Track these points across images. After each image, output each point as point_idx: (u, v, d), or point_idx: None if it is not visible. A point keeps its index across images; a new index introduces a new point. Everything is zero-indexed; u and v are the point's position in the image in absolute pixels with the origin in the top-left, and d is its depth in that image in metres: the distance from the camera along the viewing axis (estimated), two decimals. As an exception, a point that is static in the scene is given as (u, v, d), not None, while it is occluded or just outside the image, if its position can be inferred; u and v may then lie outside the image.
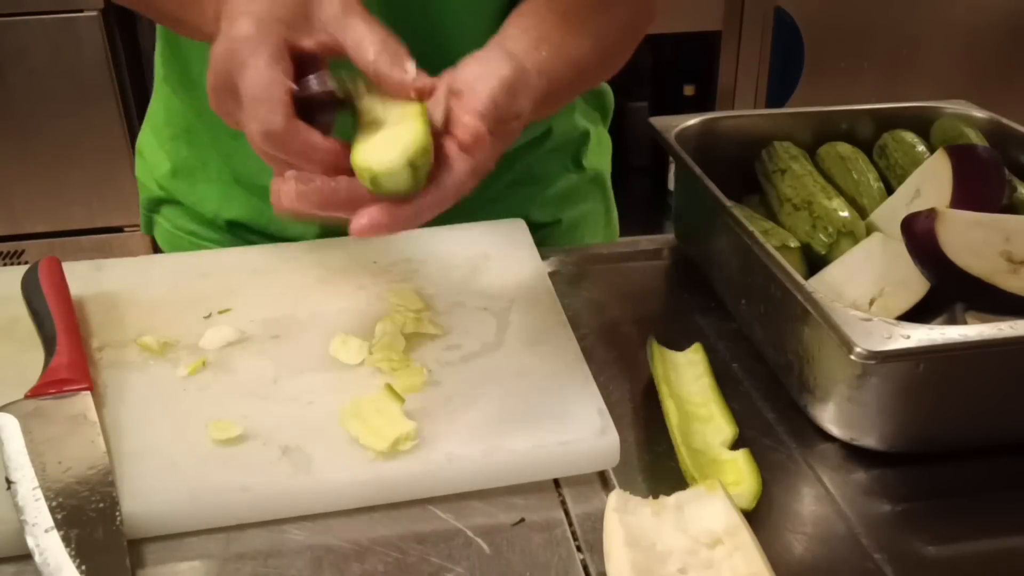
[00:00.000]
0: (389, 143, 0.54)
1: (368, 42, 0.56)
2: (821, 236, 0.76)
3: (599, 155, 1.00)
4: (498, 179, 0.88)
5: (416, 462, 0.58)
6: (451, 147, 0.56)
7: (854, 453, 0.63)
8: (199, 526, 0.56)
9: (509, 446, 0.59)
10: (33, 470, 0.56)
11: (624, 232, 1.05)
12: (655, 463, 0.62)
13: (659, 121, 0.87)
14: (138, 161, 0.98)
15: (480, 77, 0.57)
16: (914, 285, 0.66)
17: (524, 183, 0.93)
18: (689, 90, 2.37)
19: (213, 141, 0.88)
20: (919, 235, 0.64)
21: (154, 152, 0.95)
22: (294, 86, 0.55)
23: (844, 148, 0.86)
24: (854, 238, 0.74)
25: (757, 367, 0.72)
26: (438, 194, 0.55)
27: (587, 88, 0.72)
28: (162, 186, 0.93)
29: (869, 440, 0.62)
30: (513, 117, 0.58)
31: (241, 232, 0.91)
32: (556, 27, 0.70)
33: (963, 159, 0.74)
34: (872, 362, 0.57)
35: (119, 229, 2.21)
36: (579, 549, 0.55)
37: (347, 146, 0.55)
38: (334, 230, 0.84)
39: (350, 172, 0.54)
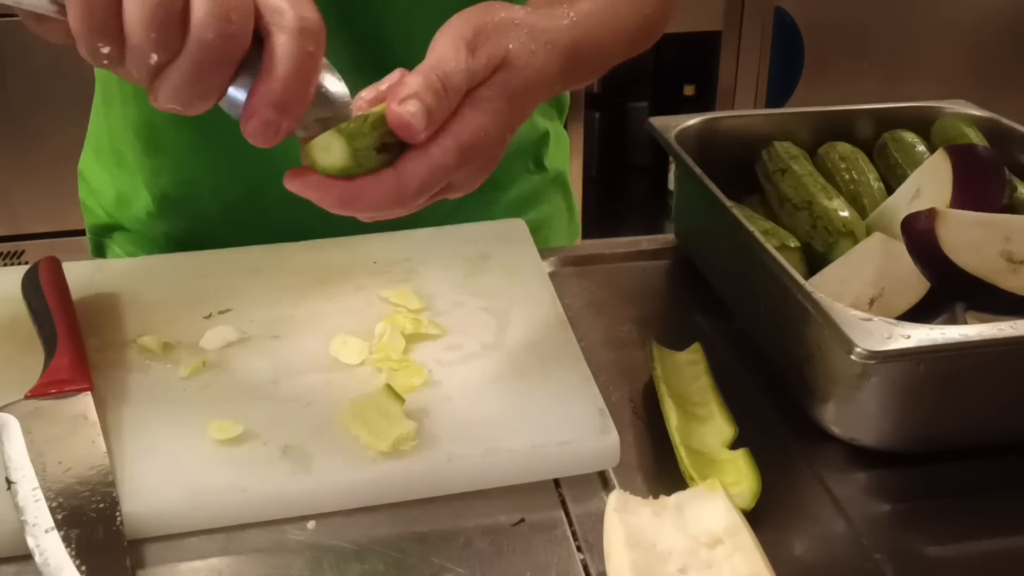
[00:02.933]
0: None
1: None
2: (821, 236, 0.76)
3: (558, 154, 0.99)
4: None
5: (416, 462, 0.58)
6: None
7: (854, 453, 0.63)
8: (199, 526, 0.56)
9: (509, 446, 0.59)
10: (33, 470, 0.56)
11: (624, 232, 1.05)
12: (655, 463, 0.62)
13: (659, 121, 0.87)
14: (80, 184, 0.96)
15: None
16: (914, 285, 0.66)
17: (486, 187, 0.92)
18: (689, 90, 2.37)
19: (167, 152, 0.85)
20: (919, 235, 0.64)
21: (97, 176, 0.93)
22: None
23: (844, 148, 0.86)
24: (854, 238, 0.74)
25: (757, 367, 0.72)
26: (383, 179, 0.51)
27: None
28: (109, 213, 0.92)
29: (869, 440, 0.62)
30: (488, 68, 0.54)
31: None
32: None
33: (963, 159, 0.74)
34: (872, 362, 0.57)
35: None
36: (579, 549, 0.55)
37: None
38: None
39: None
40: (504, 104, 0.54)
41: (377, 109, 0.51)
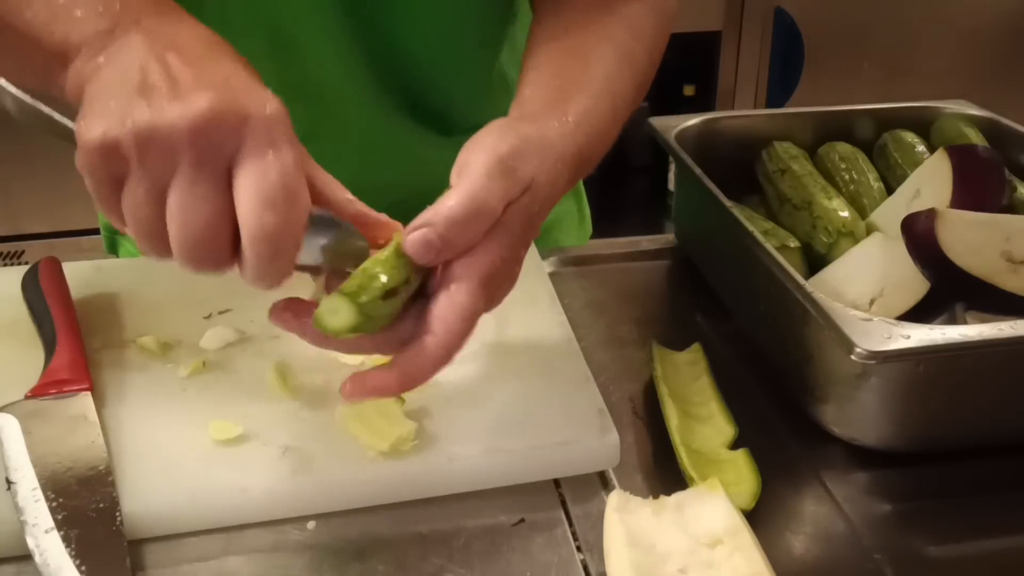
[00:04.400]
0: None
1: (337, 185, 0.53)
2: (821, 236, 0.76)
3: None
4: None
5: (416, 462, 0.58)
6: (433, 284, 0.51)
7: (854, 453, 0.63)
8: (199, 526, 0.56)
9: (509, 446, 0.59)
10: (33, 470, 0.56)
11: (624, 232, 1.05)
12: (655, 463, 0.62)
13: (659, 121, 0.87)
14: None
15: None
16: (914, 285, 0.66)
17: None
18: (689, 90, 2.37)
19: None
20: (919, 235, 0.64)
21: None
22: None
23: (844, 148, 0.86)
24: (854, 238, 0.74)
25: (757, 367, 0.72)
26: (425, 348, 0.50)
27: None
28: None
29: (869, 440, 0.62)
30: (520, 191, 0.53)
31: None
32: (575, 64, 0.64)
33: (963, 159, 0.74)
34: (872, 362, 0.57)
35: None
36: (579, 549, 0.55)
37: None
38: None
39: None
40: (522, 230, 0.54)
41: (372, 258, 0.51)
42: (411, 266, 0.51)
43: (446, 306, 0.51)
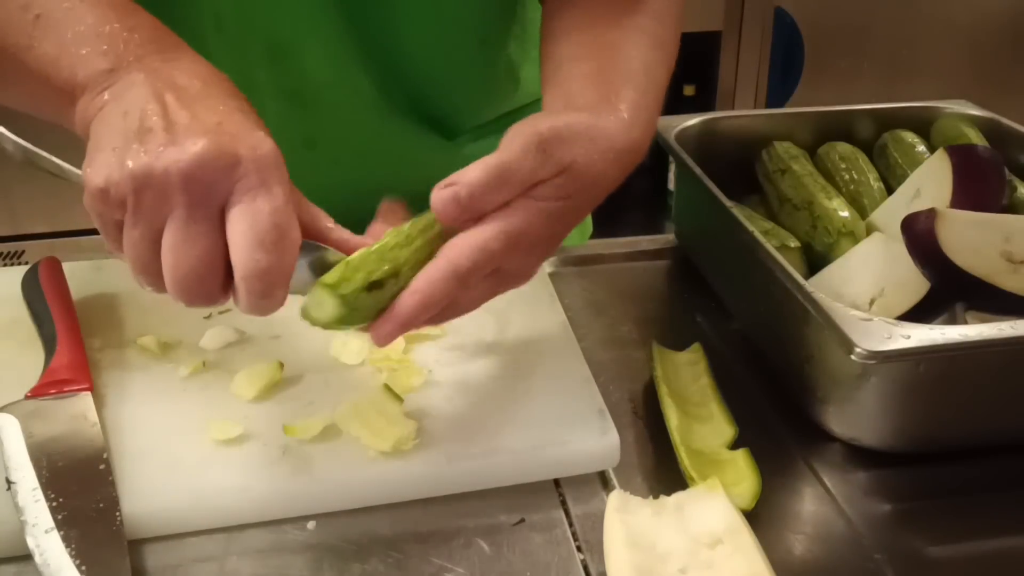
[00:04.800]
0: None
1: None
2: (821, 236, 0.76)
3: None
4: None
5: (416, 462, 0.58)
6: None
7: (854, 453, 0.63)
8: (199, 526, 0.56)
9: (509, 446, 0.59)
10: (33, 470, 0.56)
11: (624, 232, 1.05)
12: (655, 463, 0.62)
13: (659, 121, 0.86)
14: None
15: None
16: (914, 285, 0.66)
17: None
18: (689, 90, 2.37)
19: None
20: (919, 235, 0.64)
21: None
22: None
23: (844, 148, 0.86)
24: (854, 238, 0.74)
25: (757, 367, 0.72)
26: (434, 267, 0.52)
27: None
28: None
29: (869, 440, 0.62)
30: (553, 172, 0.54)
31: None
32: (614, 56, 0.65)
33: (963, 159, 0.74)
34: (872, 362, 0.57)
35: None
36: (579, 549, 0.55)
37: None
38: None
39: None
40: (559, 204, 0.55)
41: (359, 252, 0.52)
42: (403, 258, 0.52)
43: (464, 234, 0.53)
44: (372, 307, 0.51)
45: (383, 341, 0.52)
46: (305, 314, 0.51)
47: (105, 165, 0.49)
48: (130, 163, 0.48)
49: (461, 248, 0.53)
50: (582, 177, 0.56)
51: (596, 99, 0.61)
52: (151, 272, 0.51)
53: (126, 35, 0.54)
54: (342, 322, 0.51)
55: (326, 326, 0.51)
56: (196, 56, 0.56)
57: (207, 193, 0.49)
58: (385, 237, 0.53)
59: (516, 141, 0.54)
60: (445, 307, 0.54)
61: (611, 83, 0.62)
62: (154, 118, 0.50)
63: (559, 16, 0.70)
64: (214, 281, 0.50)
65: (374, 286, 0.51)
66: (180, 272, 0.50)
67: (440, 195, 0.52)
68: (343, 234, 0.56)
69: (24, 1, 0.55)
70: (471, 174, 0.53)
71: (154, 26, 0.56)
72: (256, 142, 0.50)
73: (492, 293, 0.57)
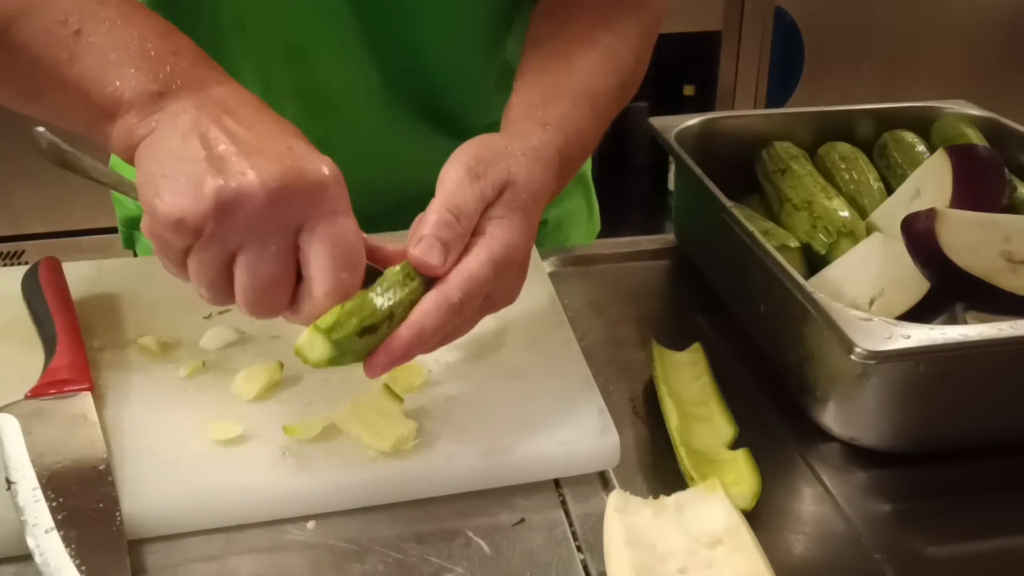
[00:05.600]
0: None
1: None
2: (821, 236, 0.76)
3: None
4: None
5: (416, 462, 0.58)
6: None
7: (854, 453, 0.63)
8: (199, 526, 0.56)
9: (509, 446, 0.59)
10: (33, 470, 0.56)
11: (624, 232, 1.05)
12: (655, 463, 0.62)
13: (659, 121, 0.87)
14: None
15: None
16: (914, 285, 0.66)
17: None
18: (689, 90, 2.37)
19: None
20: (919, 235, 0.64)
21: (128, 170, 0.94)
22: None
23: (844, 148, 0.86)
24: (854, 238, 0.74)
25: (757, 367, 0.72)
26: (428, 300, 0.54)
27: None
28: (139, 206, 0.92)
29: (869, 440, 0.62)
30: (495, 189, 0.57)
31: None
32: (558, 67, 0.68)
33: (963, 159, 0.74)
34: (872, 362, 0.57)
35: (119, 229, 2.21)
36: (579, 549, 0.55)
37: None
38: None
39: None
40: (518, 217, 0.58)
41: (355, 296, 0.53)
42: (398, 300, 0.54)
43: (457, 269, 0.55)
44: (364, 349, 0.53)
45: (375, 374, 0.54)
46: (298, 353, 0.52)
47: (180, 195, 0.50)
48: (210, 191, 0.50)
49: (452, 282, 0.54)
50: (527, 185, 0.58)
51: (523, 111, 0.64)
52: (219, 289, 0.53)
53: (172, 58, 0.55)
54: (333, 363, 0.52)
55: (317, 365, 0.52)
56: (235, 81, 0.57)
57: (288, 216, 0.51)
58: (380, 279, 0.55)
59: (448, 176, 0.57)
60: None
61: (544, 94, 0.66)
62: (222, 145, 0.51)
63: (535, 25, 0.74)
64: (285, 296, 0.53)
65: (367, 331, 0.52)
66: (256, 290, 0.52)
67: (417, 251, 0.54)
68: (369, 242, 0.57)
69: (62, 15, 0.56)
70: (429, 219, 0.55)
71: (195, 50, 0.58)
72: (327, 165, 0.53)
73: (480, 318, 0.60)
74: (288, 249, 0.52)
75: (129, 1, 0.58)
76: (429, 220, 0.55)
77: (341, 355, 0.52)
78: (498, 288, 0.57)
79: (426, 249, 0.54)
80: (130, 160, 0.55)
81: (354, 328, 0.52)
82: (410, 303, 0.54)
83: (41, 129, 0.57)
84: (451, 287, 0.54)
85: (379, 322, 0.53)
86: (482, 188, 0.56)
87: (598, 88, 0.68)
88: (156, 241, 0.53)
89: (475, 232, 0.56)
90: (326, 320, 0.51)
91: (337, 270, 0.52)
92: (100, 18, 0.56)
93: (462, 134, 0.87)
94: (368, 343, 0.53)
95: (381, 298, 0.53)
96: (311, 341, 0.51)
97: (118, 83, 0.54)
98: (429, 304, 0.54)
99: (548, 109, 0.64)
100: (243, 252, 0.51)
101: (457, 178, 0.56)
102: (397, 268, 0.55)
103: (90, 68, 0.55)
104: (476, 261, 0.55)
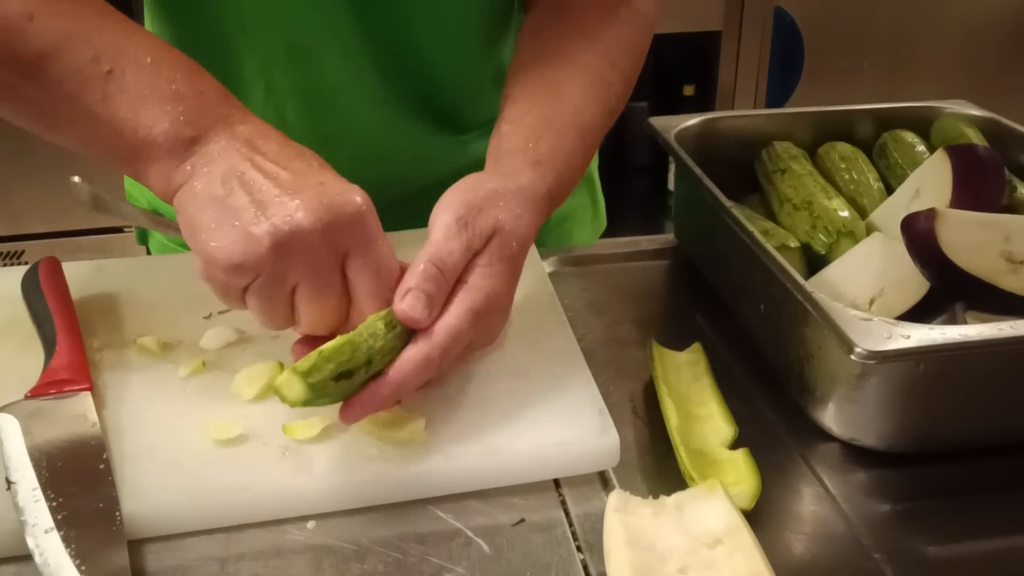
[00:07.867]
0: None
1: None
2: (821, 236, 0.76)
3: None
4: None
5: (416, 462, 0.58)
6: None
7: (854, 453, 0.63)
8: (199, 526, 0.56)
9: (509, 446, 0.59)
10: (33, 471, 0.56)
11: (624, 232, 1.05)
12: (655, 463, 0.62)
13: (659, 121, 0.87)
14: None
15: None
16: (914, 285, 0.66)
17: None
18: (689, 90, 2.37)
19: None
20: (919, 235, 0.64)
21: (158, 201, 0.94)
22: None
23: (844, 148, 0.86)
24: (854, 238, 0.74)
25: (757, 367, 0.72)
26: (413, 350, 0.57)
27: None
28: (152, 203, 0.92)
29: (869, 440, 0.62)
30: (483, 239, 0.59)
31: None
32: (548, 99, 0.70)
33: (963, 159, 0.74)
34: (872, 362, 0.57)
35: (119, 229, 2.21)
36: (579, 549, 0.55)
37: None
38: None
39: None
40: (504, 266, 0.60)
41: (331, 343, 0.55)
42: (377, 348, 0.56)
43: (440, 322, 0.58)
44: (340, 392, 0.55)
45: (349, 422, 0.57)
46: (276, 391, 0.54)
47: (234, 241, 0.54)
48: (263, 234, 0.53)
49: (434, 340, 0.57)
50: (513, 232, 0.61)
51: (516, 146, 0.66)
52: (281, 318, 0.58)
53: (199, 99, 0.58)
54: (308, 404, 0.54)
55: (293, 405, 0.54)
56: (255, 115, 0.60)
57: (336, 246, 0.55)
58: (362, 327, 0.56)
59: (438, 226, 0.59)
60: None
61: (535, 128, 0.67)
62: (263, 187, 0.55)
63: (523, 46, 0.75)
64: (342, 316, 0.58)
65: (343, 376, 0.54)
66: (319, 317, 0.57)
67: (404, 305, 0.57)
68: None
69: (94, 54, 0.57)
70: (415, 272, 0.57)
71: (218, 87, 0.60)
72: (359, 194, 0.56)
73: (460, 363, 0.63)
74: (339, 275, 0.57)
75: (151, 36, 0.60)
76: (416, 271, 0.58)
77: (316, 397, 0.54)
78: (478, 335, 0.60)
79: (412, 303, 0.57)
80: (169, 201, 0.58)
81: (330, 373, 0.54)
82: (389, 350, 0.56)
83: (77, 179, 0.59)
84: (432, 346, 0.57)
85: (356, 368, 0.55)
86: (469, 238, 0.59)
87: (587, 121, 0.70)
88: (215, 284, 0.56)
89: (460, 280, 0.59)
90: (304, 364, 0.53)
91: (382, 292, 0.57)
92: (130, 57, 0.58)
93: (461, 130, 0.88)
94: (344, 388, 0.55)
95: (361, 346, 0.55)
96: (289, 382, 0.53)
97: (151, 127, 0.57)
98: (408, 363, 0.56)
99: (539, 145, 0.66)
100: (302, 285, 0.56)
101: (446, 228, 0.59)
102: (380, 315, 0.57)
103: (122, 108, 0.57)
104: (456, 315, 0.58)
